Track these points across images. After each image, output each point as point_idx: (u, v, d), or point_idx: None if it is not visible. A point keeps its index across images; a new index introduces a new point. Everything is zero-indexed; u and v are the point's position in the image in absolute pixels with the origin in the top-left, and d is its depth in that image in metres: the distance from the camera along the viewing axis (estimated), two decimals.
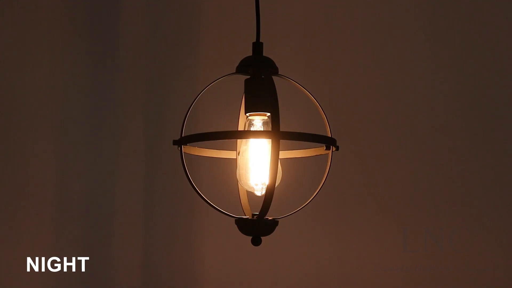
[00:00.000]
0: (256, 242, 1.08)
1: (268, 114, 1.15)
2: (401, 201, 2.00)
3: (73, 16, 2.02)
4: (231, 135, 1.06)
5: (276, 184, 1.11)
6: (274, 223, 1.09)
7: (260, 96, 1.14)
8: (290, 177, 1.24)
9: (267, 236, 1.11)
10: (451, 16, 2.06)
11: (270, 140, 1.05)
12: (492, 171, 2.00)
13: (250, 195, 1.16)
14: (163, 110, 2.00)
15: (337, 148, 1.12)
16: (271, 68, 1.16)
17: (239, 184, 1.17)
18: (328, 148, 1.12)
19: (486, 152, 2.01)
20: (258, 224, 1.07)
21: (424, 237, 1.99)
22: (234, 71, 1.19)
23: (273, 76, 1.14)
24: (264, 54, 1.19)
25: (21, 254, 1.92)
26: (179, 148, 1.11)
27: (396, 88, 2.03)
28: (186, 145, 1.15)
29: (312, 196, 1.11)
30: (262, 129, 1.14)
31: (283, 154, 1.21)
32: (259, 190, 1.12)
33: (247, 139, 1.13)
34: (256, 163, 1.12)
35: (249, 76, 1.17)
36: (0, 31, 1.99)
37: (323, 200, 1.96)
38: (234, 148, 1.21)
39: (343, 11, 2.06)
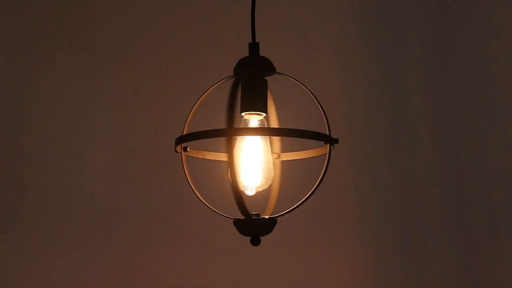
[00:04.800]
0: (255, 242, 1.08)
1: (264, 114, 1.15)
2: (401, 201, 1.99)
3: (72, 17, 2.02)
4: (218, 134, 1.06)
5: (268, 185, 1.12)
6: (273, 222, 1.09)
7: (257, 95, 1.14)
8: (290, 176, 1.25)
9: (266, 236, 1.10)
10: (450, 16, 2.06)
11: (262, 138, 1.06)
12: (492, 171, 2.00)
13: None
14: (163, 110, 2.00)
15: (331, 143, 1.11)
16: (268, 67, 1.16)
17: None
18: (327, 143, 1.11)
19: (486, 152, 2.01)
20: (256, 224, 1.07)
21: (424, 237, 1.99)
22: (232, 72, 1.19)
23: (272, 75, 1.15)
24: (261, 54, 1.19)
25: (21, 254, 1.92)
26: (181, 151, 1.11)
27: (396, 87, 2.03)
28: (186, 149, 1.15)
29: (308, 193, 1.10)
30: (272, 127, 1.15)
31: (282, 156, 1.22)
32: (249, 189, 1.13)
33: (241, 138, 1.14)
34: (246, 162, 1.12)
35: (246, 76, 1.17)
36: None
37: (322, 200, 1.96)
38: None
39: (341, 10, 2.06)
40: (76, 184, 1.95)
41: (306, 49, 2.05)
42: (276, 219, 1.08)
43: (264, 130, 1.11)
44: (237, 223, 1.08)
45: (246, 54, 1.19)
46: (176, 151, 1.17)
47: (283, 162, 1.21)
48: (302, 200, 1.09)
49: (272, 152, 1.19)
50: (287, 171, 1.23)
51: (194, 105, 1.17)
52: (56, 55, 2.00)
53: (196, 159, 1.25)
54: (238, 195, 1.02)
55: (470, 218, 1.98)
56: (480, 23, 2.05)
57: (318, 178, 1.10)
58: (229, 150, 1.03)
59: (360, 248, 1.98)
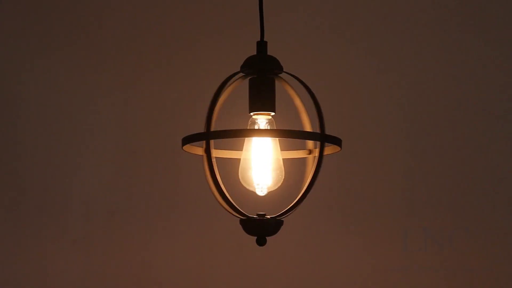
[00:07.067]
0: (261, 242, 1.07)
1: (273, 113, 1.15)
2: (401, 201, 1.99)
3: (72, 12, 2.01)
4: (225, 134, 1.06)
5: (279, 185, 1.11)
6: (279, 223, 1.08)
7: (265, 95, 1.14)
8: (293, 176, 1.24)
9: (271, 236, 1.10)
10: (453, 17, 2.06)
11: (271, 139, 1.06)
12: (492, 171, 2.00)
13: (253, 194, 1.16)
14: (164, 109, 2.00)
15: (322, 141, 1.09)
16: (275, 67, 1.16)
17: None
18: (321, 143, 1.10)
19: (486, 152, 2.01)
20: (262, 224, 1.07)
21: (424, 237, 1.99)
22: (238, 70, 1.18)
23: (279, 75, 1.14)
24: (268, 53, 1.19)
25: (20, 253, 1.91)
26: (205, 144, 1.08)
27: (397, 87, 2.03)
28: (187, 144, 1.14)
29: (301, 191, 1.09)
30: (267, 128, 1.14)
31: (286, 154, 1.21)
32: (260, 190, 1.12)
33: (250, 138, 1.13)
34: (257, 163, 1.11)
35: (254, 76, 1.16)
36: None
37: (324, 201, 1.95)
38: (240, 147, 1.20)
39: (347, 9, 2.06)
40: (75, 183, 1.95)
41: (313, 49, 2.04)
42: (283, 220, 1.08)
43: (252, 132, 1.08)
44: (243, 222, 1.08)
45: (254, 52, 1.18)
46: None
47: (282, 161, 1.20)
48: (298, 199, 1.08)
49: (306, 148, 1.18)
50: (286, 171, 1.22)
51: (215, 103, 1.13)
52: (55, 53, 1.99)
53: (197, 157, 1.24)
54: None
55: (470, 217, 1.98)
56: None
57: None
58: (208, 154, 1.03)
59: (360, 248, 1.98)
